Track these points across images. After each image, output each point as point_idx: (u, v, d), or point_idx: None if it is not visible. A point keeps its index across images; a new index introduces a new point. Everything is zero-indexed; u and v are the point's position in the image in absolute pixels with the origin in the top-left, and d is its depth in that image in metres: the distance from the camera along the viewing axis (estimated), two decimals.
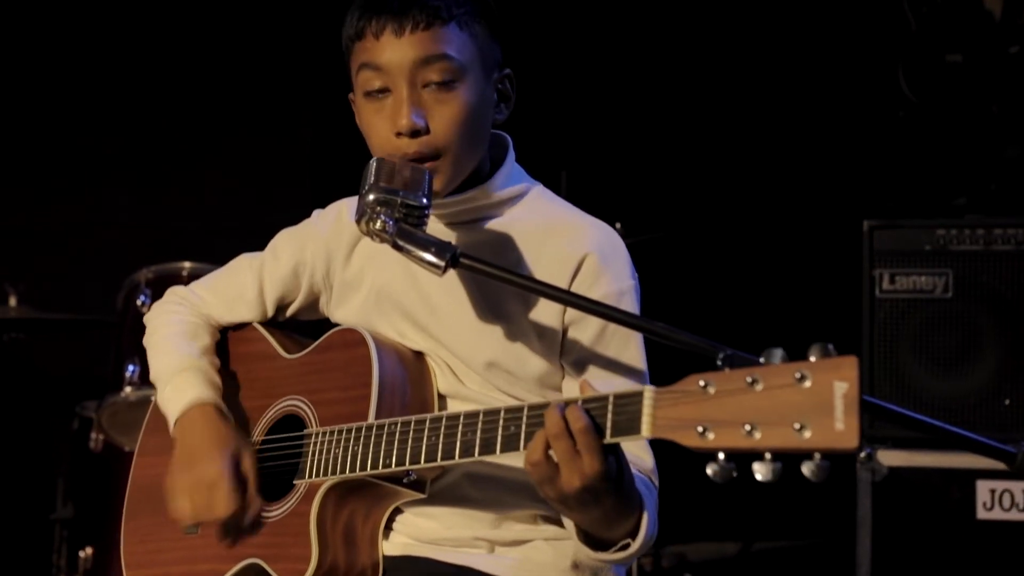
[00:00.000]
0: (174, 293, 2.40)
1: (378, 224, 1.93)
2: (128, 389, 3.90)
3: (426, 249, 1.91)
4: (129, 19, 5.06)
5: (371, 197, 1.95)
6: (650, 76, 4.86)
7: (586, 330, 2.10)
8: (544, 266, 2.12)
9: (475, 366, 2.14)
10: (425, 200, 1.96)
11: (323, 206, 2.38)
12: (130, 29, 5.08)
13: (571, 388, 2.12)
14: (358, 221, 1.96)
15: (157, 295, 3.79)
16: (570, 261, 2.11)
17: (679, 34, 4.88)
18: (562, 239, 2.13)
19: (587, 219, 2.20)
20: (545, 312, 2.11)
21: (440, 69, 2.06)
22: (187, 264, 3.96)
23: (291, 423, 2.20)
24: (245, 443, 2.13)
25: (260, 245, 2.38)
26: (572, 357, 2.12)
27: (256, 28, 5.12)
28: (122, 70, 5.08)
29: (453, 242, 2.11)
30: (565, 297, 1.95)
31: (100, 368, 4.12)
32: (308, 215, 2.38)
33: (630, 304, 2.12)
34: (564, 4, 4.77)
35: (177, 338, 2.28)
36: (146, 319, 2.39)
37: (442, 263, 1.90)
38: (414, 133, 2.05)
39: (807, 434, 1.55)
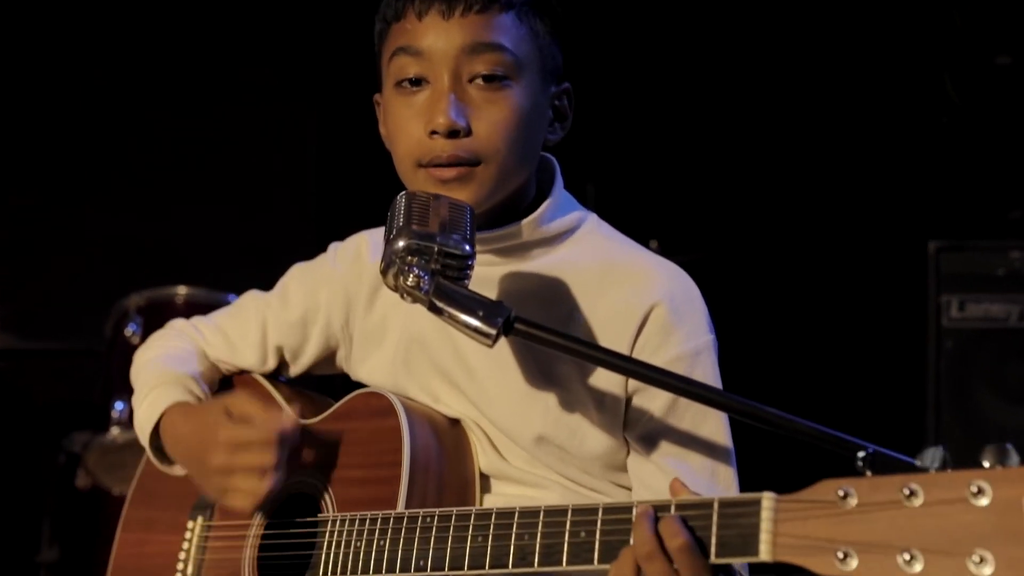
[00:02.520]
0: (172, 326, 2.14)
1: (410, 279, 1.58)
2: (116, 430, 3.65)
3: (472, 313, 1.56)
4: (120, 25, 4.81)
5: (400, 244, 1.59)
6: (688, 78, 4.57)
7: (655, 399, 1.78)
8: (602, 318, 1.80)
9: (522, 441, 1.82)
10: (468, 248, 1.61)
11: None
12: (120, 35, 4.82)
13: (639, 468, 1.80)
14: (384, 273, 1.61)
15: (149, 323, 3.72)
16: (635, 313, 1.78)
17: (724, 39, 4.59)
18: (625, 285, 1.81)
19: (654, 260, 1.88)
20: (605, 376, 1.79)
21: (491, 61, 1.75)
22: (182, 289, 3.71)
23: (302, 504, 1.88)
24: (226, 396, 1.88)
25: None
26: (639, 431, 1.79)
27: (255, 32, 4.85)
28: (111, 78, 4.82)
29: (495, 288, 1.82)
30: (642, 372, 1.58)
31: (88, 394, 3.90)
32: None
33: (707, 365, 1.80)
34: (599, 5, 4.48)
35: (163, 360, 2.03)
36: (136, 355, 2.11)
37: (492, 331, 1.55)
38: (452, 133, 1.74)
39: (987, 570, 1.22)
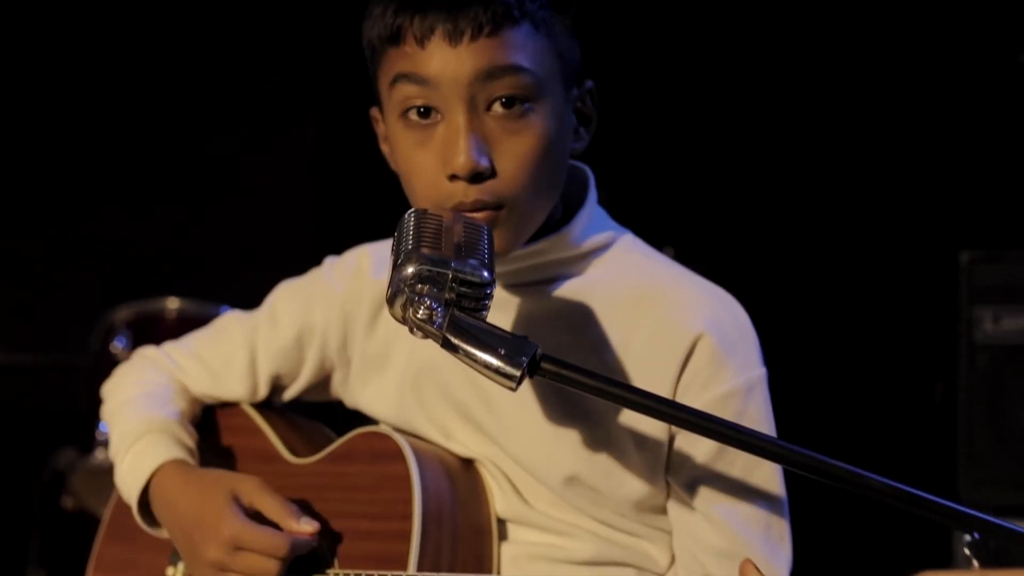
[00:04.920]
0: (143, 356, 1.93)
1: (421, 311, 1.38)
2: (101, 451, 3.48)
3: (492, 350, 1.36)
4: (107, 27, 4.67)
5: (409, 270, 1.39)
6: (707, 74, 4.44)
7: (702, 441, 1.60)
8: (640, 347, 1.62)
9: (549, 482, 1.65)
10: (487, 274, 1.41)
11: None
12: (109, 38, 4.68)
13: (684, 517, 1.63)
14: (391, 302, 1.41)
15: (137, 338, 3.57)
16: (678, 343, 1.61)
17: (745, 39, 4.47)
18: (665, 311, 1.63)
19: (698, 283, 1.70)
20: None
21: (509, 84, 1.55)
22: (173, 302, 3.54)
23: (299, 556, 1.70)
24: (237, 476, 1.68)
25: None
26: (684, 477, 1.62)
27: (252, 34, 4.73)
28: (99, 81, 4.67)
29: (517, 311, 1.65)
30: (691, 420, 1.39)
31: (74, 409, 3.73)
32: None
33: (760, 403, 1.63)
34: (611, 5, 4.37)
35: (142, 400, 1.82)
36: (104, 389, 1.92)
37: (516, 372, 1.35)
38: (475, 177, 1.54)
39: None
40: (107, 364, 3.46)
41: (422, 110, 1.57)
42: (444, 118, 1.56)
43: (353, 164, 4.26)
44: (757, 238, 4.34)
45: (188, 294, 3.57)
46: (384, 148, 1.70)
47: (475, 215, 1.54)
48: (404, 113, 1.58)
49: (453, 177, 1.54)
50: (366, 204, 3.44)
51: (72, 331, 3.78)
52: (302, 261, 1.96)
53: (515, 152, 1.55)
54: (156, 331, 3.44)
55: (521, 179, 1.55)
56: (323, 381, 1.86)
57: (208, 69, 4.69)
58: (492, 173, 1.54)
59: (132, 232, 4.58)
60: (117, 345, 3.51)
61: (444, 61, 1.53)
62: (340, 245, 1.91)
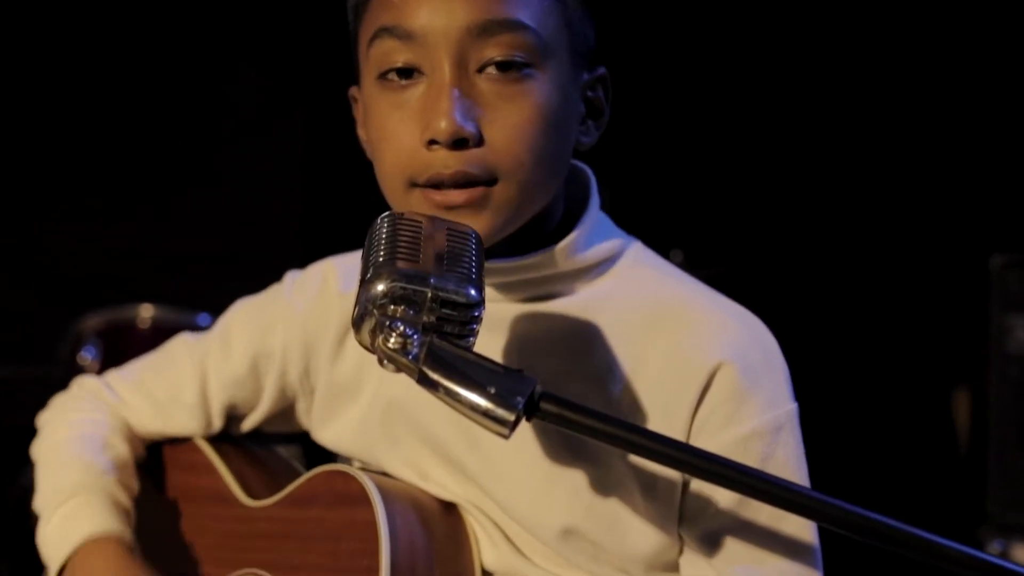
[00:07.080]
0: (82, 387, 1.74)
1: (392, 340, 1.16)
2: None
3: (479, 389, 1.13)
4: (79, 15, 4.53)
5: (380, 288, 1.17)
6: (720, 69, 4.37)
7: (721, 487, 1.38)
8: (651, 378, 1.41)
9: (543, 534, 1.43)
10: (475, 293, 1.18)
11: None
12: (80, 26, 4.54)
13: (696, 570, 1.41)
14: (357, 327, 1.19)
15: (108, 348, 3.39)
16: (695, 371, 1.39)
17: (760, 34, 4.41)
18: (681, 333, 1.42)
19: (719, 303, 1.48)
20: None
21: (507, 43, 1.35)
22: (147, 310, 3.36)
23: None
24: None
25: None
26: (700, 529, 1.40)
27: (238, 31, 4.61)
28: (68, 74, 4.54)
29: (510, 331, 1.44)
30: (718, 471, 1.17)
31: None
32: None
33: (791, 445, 1.41)
34: (622, 4, 4.30)
35: (75, 446, 1.63)
36: (39, 421, 1.74)
37: (509, 416, 1.13)
38: (457, 143, 1.33)
39: None
40: (76, 376, 3.37)
41: (403, 70, 1.37)
42: (428, 76, 1.35)
43: (344, 162, 4.16)
44: (773, 241, 4.25)
45: (164, 301, 3.41)
46: (361, 134, 1.51)
47: (459, 193, 1.33)
48: (383, 74, 1.38)
49: (432, 143, 1.33)
50: (358, 205, 3.34)
51: (38, 340, 3.64)
52: (289, 266, 1.78)
53: (508, 120, 1.34)
54: (128, 341, 3.30)
55: (515, 152, 1.34)
56: (286, 411, 1.67)
57: (189, 65, 4.57)
58: (480, 141, 1.33)
59: (103, 233, 4.45)
60: (86, 356, 3.34)
61: (433, 9, 1.34)
62: (331, 249, 1.74)
